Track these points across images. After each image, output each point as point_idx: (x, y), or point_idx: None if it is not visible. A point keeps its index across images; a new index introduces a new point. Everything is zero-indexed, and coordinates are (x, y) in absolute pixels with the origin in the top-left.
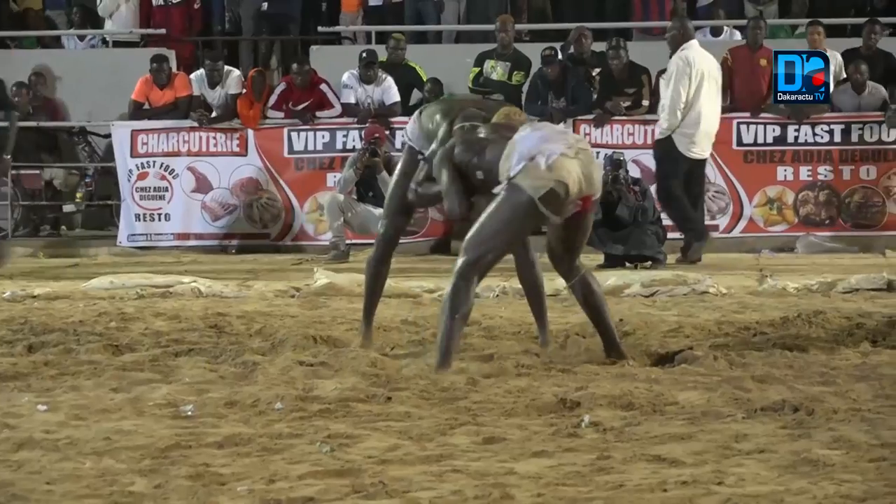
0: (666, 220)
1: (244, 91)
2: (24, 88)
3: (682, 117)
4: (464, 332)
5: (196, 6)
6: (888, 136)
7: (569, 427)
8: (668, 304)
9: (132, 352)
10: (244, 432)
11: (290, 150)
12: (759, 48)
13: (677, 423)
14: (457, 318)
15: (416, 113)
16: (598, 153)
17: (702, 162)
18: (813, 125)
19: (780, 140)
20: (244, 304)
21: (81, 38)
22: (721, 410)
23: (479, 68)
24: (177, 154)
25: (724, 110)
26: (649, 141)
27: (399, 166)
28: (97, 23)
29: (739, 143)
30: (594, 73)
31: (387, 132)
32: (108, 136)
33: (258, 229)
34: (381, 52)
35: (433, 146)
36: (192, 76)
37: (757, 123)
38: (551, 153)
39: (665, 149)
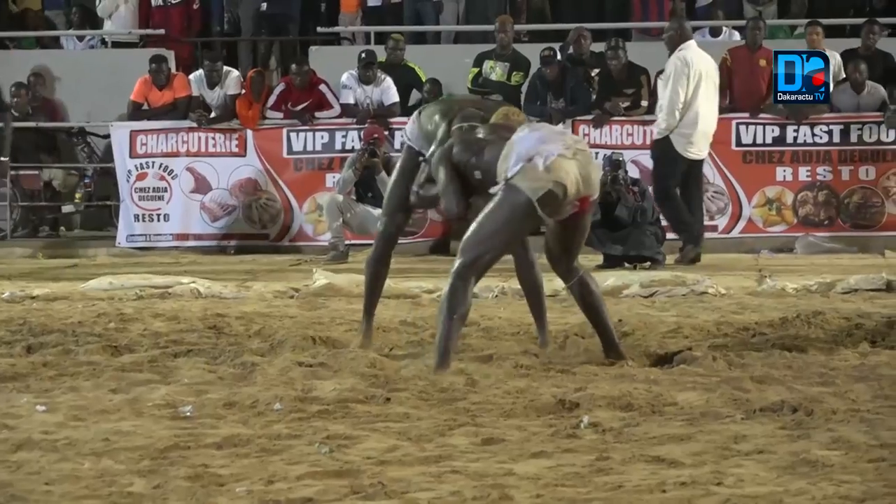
0: (665, 221)
1: (243, 91)
2: (23, 89)
3: (680, 117)
4: (462, 332)
5: (195, 7)
6: (887, 136)
7: (568, 428)
8: (667, 304)
9: (131, 353)
10: (243, 433)
11: (289, 151)
12: (759, 48)
13: (676, 423)
14: (455, 319)
15: (416, 113)
16: (597, 154)
17: (699, 162)
18: (812, 126)
19: (779, 140)
20: (243, 305)
21: (80, 38)
22: (720, 411)
23: (478, 69)
24: (176, 155)
25: (723, 110)
26: (648, 141)
27: (398, 165)
28: (96, 23)
29: (738, 143)
30: (593, 74)
31: (386, 133)
32: (107, 136)
33: (257, 230)
34: (380, 53)
35: (433, 147)
36: (192, 77)
37: (756, 124)
38: (549, 154)
39: (663, 149)
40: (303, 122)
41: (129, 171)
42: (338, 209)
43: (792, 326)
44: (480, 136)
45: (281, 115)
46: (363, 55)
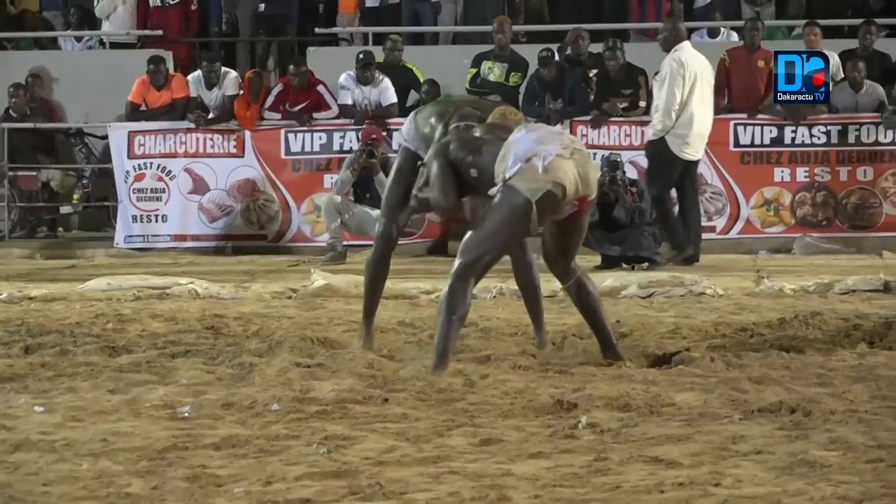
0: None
1: (241, 92)
2: (22, 90)
3: (675, 118)
4: (461, 333)
5: (193, 7)
6: (885, 137)
7: (566, 428)
8: (665, 305)
9: (129, 353)
10: (241, 434)
11: (287, 152)
12: (757, 49)
13: (674, 424)
14: (454, 320)
15: (412, 114)
16: (594, 154)
17: (695, 163)
18: (810, 126)
19: (777, 141)
20: (241, 306)
21: (78, 39)
22: (718, 412)
23: (477, 69)
24: (174, 155)
25: (721, 111)
26: (646, 142)
27: (395, 166)
28: (94, 24)
29: (736, 144)
30: (591, 75)
31: (384, 133)
32: (105, 137)
33: (255, 231)
34: (379, 54)
35: (431, 151)
36: (190, 77)
37: (754, 124)
38: (547, 154)
39: (658, 150)
40: (301, 122)
41: (127, 172)
42: (336, 210)
43: (790, 327)
44: (477, 134)
45: (279, 115)
46: (361, 56)
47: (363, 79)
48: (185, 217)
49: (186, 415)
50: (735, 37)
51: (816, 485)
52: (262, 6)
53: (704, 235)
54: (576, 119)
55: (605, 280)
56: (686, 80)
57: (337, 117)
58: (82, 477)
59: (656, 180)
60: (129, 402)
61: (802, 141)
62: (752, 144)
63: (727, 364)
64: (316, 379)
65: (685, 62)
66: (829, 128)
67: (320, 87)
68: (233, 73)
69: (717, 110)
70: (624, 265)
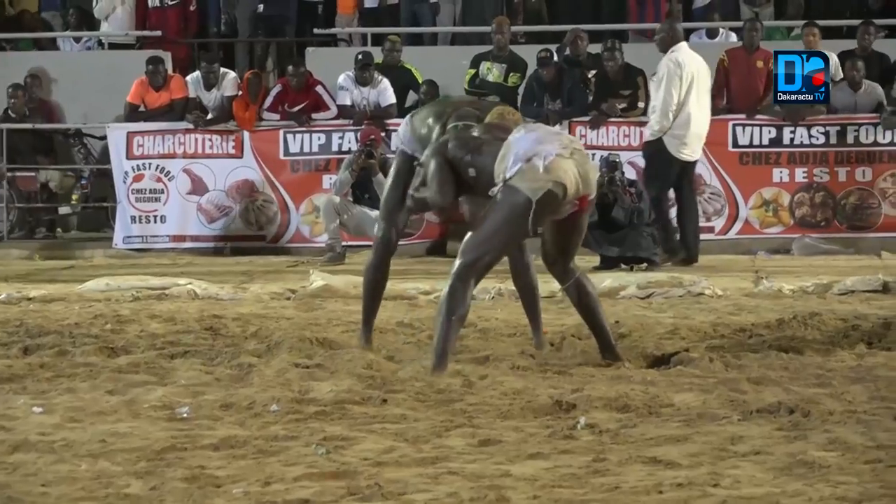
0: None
1: (240, 93)
2: (20, 90)
3: (673, 119)
4: (460, 334)
5: (192, 8)
6: (883, 137)
7: (564, 429)
8: (664, 305)
9: (128, 354)
10: (240, 434)
11: (286, 152)
12: (756, 50)
13: (673, 425)
14: (453, 321)
15: (408, 116)
16: (593, 155)
17: (692, 164)
18: (808, 127)
19: (776, 142)
20: (240, 307)
21: (77, 40)
22: (717, 412)
23: (475, 70)
24: (172, 156)
25: (720, 112)
26: None
27: (392, 170)
28: (93, 25)
29: (735, 144)
30: (590, 75)
31: (382, 134)
32: (104, 138)
33: (254, 231)
34: (377, 54)
35: (427, 151)
36: (189, 78)
37: (752, 125)
38: (548, 154)
39: (655, 150)
40: (299, 123)
41: (126, 173)
42: (334, 211)
43: (788, 328)
44: (476, 134)
45: (277, 116)
46: (360, 57)
47: (362, 79)
48: (183, 218)
49: (185, 415)
50: (734, 37)
51: (815, 485)
52: (260, 7)
53: (703, 236)
54: (574, 120)
55: (603, 281)
56: (683, 80)
57: (336, 118)
58: (81, 478)
59: (653, 181)
60: (128, 403)
61: (801, 141)
62: (751, 145)
63: (726, 365)
64: (315, 380)
65: (682, 63)
66: (827, 128)
67: (319, 88)
68: (231, 74)
69: (716, 111)
70: (622, 266)
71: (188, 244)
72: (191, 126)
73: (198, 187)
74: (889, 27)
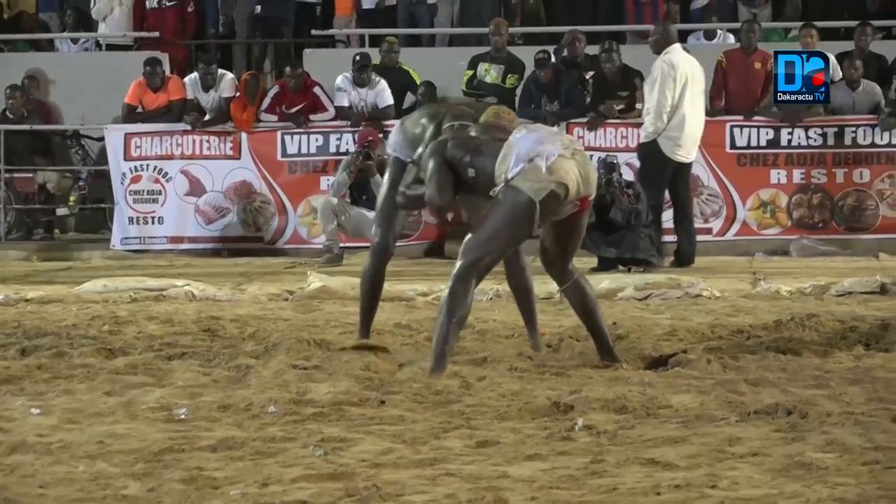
0: (663, 223)
1: (237, 94)
2: (18, 91)
3: (667, 121)
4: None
5: (189, 9)
6: (881, 139)
7: (562, 430)
8: (662, 307)
9: (125, 355)
10: (237, 436)
11: (284, 154)
12: (754, 51)
13: (671, 426)
14: (453, 322)
15: (399, 123)
16: (591, 156)
17: (688, 165)
18: (806, 128)
19: (774, 143)
20: (237, 308)
21: (75, 41)
22: (714, 414)
23: (473, 71)
24: (170, 157)
25: (718, 113)
26: None
27: (386, 178)
28: (90, 26)
29: (733, 146)
30: (587, 77)
31: (380, 135)
32: (102, 139)
33: (251, 233)
34: (375, 56)
35: (420, 149)
36: (186, 79)
37: (750, 126)
38: (550, 154)
39: (650, 152)
40: (297, 124)
41: (124, 174)
42: (332, 212)
43: (786, 329)
44: (473, 134)
45: (275, 117)
46: (357, 58)
47: (360, 81)
48: (181, 219)
49: (183, 417)
50: (732, 39)
51: (813, 487)
52: (258, 8)
53: (701, 237)
54: (572, 121)
55: (601, 282)
56: (677, 82)
57: (333, 119)
58: (79, 479)
59: (648, 182)
60: (126, 405)
61: (799, 143)
62: (749, 146)
63: (723, 366)
64: (312, 381)
65: (676, 64)
66: (825, 129)
67: (317, 89)
68: (229, 75)
69: (714, 112)
70: (620, 267)
71: (186, 245)
72: (188, 127)
73: (195, 188)
74: (886, 28)
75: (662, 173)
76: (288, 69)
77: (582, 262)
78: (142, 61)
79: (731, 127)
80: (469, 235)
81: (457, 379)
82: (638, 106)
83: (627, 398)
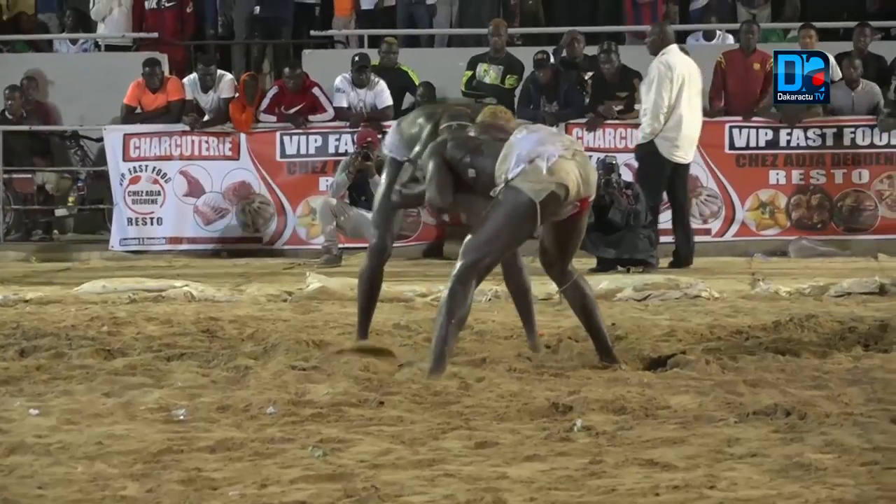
0: (660, 224)
1: (236, 95)
2: (17, 92)
3: (664, 122)
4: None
5: (188, 10)
6: (880, 139)
7: (561, 431)
8: (661, 308)
9: (124, 356)
10: (236, 437)
11: (283, 154)
12: (753, 52)
13: (669, 427)
14: (452, 323)
15: (395, 123)
16: (590, 157)
17: (685, 166)
18: (805, 129)
19: (773, 144)
20: (236, 309)
21: (74, 41)
22: (713, 414)
23: (472, 72)
24: (169, 158)
25: (717, 114)
26: None
27: (383, 179)
28: (89, 27)
29: (732, 146)
30: (586, 77)
31: (379, 136)
32: (101, 140)
33: (250, 233)
34: (374, 56)
35: (417, 148)
36: (186, 80)
37: (749, 127)
38: (551, 155)
39: (647, 153)
40: (296, 125)
41: (123, 175)
42: (331, 213)
43: (785, 330)
44: (472, 134)
45: (274, 118)
46: (356, 58)
47: (358, 81)
48: (180, 220)
49: (181, 418)
50: (731, 39)
51: (812, 487)
52: (257, 9)
53: (700, 238)
54: (571, 122)
55: (600, 283)
56: (674, 82)
57: (332, 120)
58: (77, 480)
59: (646, 183)
60: (124, 405)
61: (798, 143)
62: (748, 147)
63: (722, 367)
64: (311, 382)
65: (672, 65)
66: (824, 130)
67: (315, 90)
68: (228, 76)
69: (714, 113)
70: (619, 268)
71: (185, 246)
72: (187, 128)
73: (194, 189)
74: (885, 29)
75: (660, 174)
76: (287, 70)
77: (581, 262)
78: (141, 62)
79: (730, 127)
80: (469, 236)
81: (456, 380)
82: (636, 107)
83: (626, 399)
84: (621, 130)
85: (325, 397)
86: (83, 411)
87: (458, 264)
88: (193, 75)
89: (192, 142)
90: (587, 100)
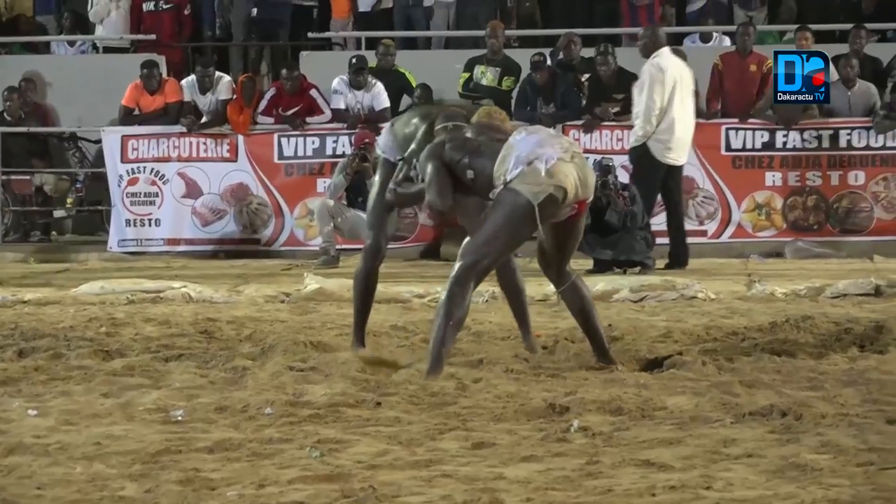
0: (655, 226)
1: (234, 97)
2: (15, 93)
3: (656, 124)
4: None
5: (186, 12)
6: (876, 141)
7: (558, 432)
8: (657, 309)
9: (122, 357)
10: (234, 437)
11: (280, 156)
12: (749, 54)
13: (666, 427)
14: (450, 325)
15: (388, 125)
16: (587, 159)
17: (679, 168)
18: (801, 131)
19: (769, 145)
20: (234, 310)
21: (72, 43)
22: (709, 415)
23: (469, 74)
24: (167, 160)
25: (714, 115)
26: None
27: (377, 180)
28: (87, 28)
29: (728, 148)
30: (583, 79)
31: (376, 138)
32: (99, 141)
33: (248, 235)
34: (371, 58)
35: (413, 146)
36: (184, 82)
37: (745, 129)
38: (549, 158)
39: (640, 155)
40: (294, 127)
41: (121, 176)
42: (329, 214)
43: (781, 331)
44: (470, 135)
45: (272, 120)
46: (354, 60)
47: (356, 83)
48: (178, 221)
49: (179, 418)
50: (727, 41)
51: (807, 488)
52: (254, 11)
53: (696, 239)
54: (568, 123)
55: (596, 284)
56: (666, 85)
57: (330, 122)
58: (76, 480)
59: (640, 185)
60: (123, 406)
61: (794, 145)
62: (744, 148)
63: (719, 368)
64: (309, 382)
65: (664, 68)
66: (820, 132)
67: (313, 92)
68: (226, 78)
69: (710, 114)
70: (616, 269)
71: (183, 247)
72: (185, 130)
73: (192, 191)
74: (881, 31)
75: (654, 176)
76: (284, 72)
77: (578, 263)
78: (139, 64)
79: (727, 129)
80: (468, 238)
81: (453, 381)
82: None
83: (623, 400)
84: (618, 132)
85: (323, 398)
86: (81, 412)
87: (457, 266)
88: (191, 77)
89: (190, 143)
90: (584, 101)
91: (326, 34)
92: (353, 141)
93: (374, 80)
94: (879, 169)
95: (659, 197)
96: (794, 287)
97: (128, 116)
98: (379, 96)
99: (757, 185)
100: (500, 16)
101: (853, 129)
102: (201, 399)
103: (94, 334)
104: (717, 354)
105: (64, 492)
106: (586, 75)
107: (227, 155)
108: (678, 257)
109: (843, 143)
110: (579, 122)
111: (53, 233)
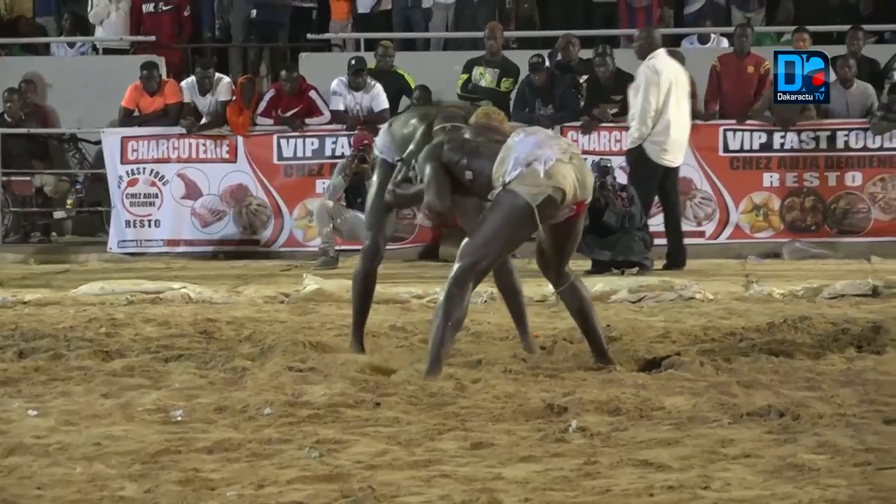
0: (653, 227)
1: (233, 98)
2: (15, 95)
3: (652, 126)
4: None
5: (186, 13)
6: (873, 142)
7: (556, 432)
8: (655, 309)
9: (122, 357)
10: (233, 437)
11: (280, 157)
12: (747, 55)
13: (664, 428)
14: (449, 326)
15: (386, 125)
16: (585, 160)
17: (675, 170)
18: (799, 132)
19: (767, 147)
20: (234, 310)
21: (72, 45)
22: (707, 415)
23: (468, 75)
24: (167, 161)
25: (712, 117)
26: None
27: (375, 181)
28: (87, 30)
29: (726, 149)
30: (581, 81)
31: (375, 139)
32: (99, 142)
33: (248, 235)
34: (370, 60)
35: (411, 147)
36: (183, 83)
37: (743, 130)
38: (548, 159)
39: (637, 157)
40: (293, 128)
41: (121, 177)
42: (328, 215)
43: (779, 331)
44: (468, 136)
45: (271, 121)
46: (353, 62)
47: (355, 84)
48: (177, 222)
49: (179, 419)
50: (725, 43)
51: (805, 488)
52: (254, 12)
53: (694, 240)
54: (566, 125)
55: (595, 285)
56: (661, 87)
57: (329, 123)
58: (76, 481)
59: (638, 187)
60: (123, 406)
61: (791, 146)
62: (742, 150)
63: (716, 368)
64: (308, 383)
65: (660, 69)
66: (817, 133)
67: (312, 93)
68: (226, 79)
69: (708, 116)
70: (614, 270)
71: (182, 248)
72: (185, 131)
73: (192, 192)
74: (878, 32)
75: (651, 178)
76: (284, 73)
77: (576, 264)
78: (138, 65)
79: (724, 130)
80: (466, 239)
81: (452, 381)
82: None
83: (621, 400)
84: (616, 133)
85: (322, 398)
86: (81, 412)
87: (456, 267)
88: (191, 78)
89: (190, 144)
90: (582, 103)
91: (325, 35)
92: (352, 142)
93: (373, 82)
94: (877, 170)
95: (657, 198)
96: (792, 288)
97: (127, 118)
98: (378, 97)
99: (755, 186)
100: (499, 17)
101: (850, 130)
102: (201, 399)
103: (93, 335)
104: (714, 355)
105: (64, 492)
106: (584, 77)
107: (226, 156)
108: (676, 258)
109: (840, 144)
110: (577, 124)
111: (53, 234)
